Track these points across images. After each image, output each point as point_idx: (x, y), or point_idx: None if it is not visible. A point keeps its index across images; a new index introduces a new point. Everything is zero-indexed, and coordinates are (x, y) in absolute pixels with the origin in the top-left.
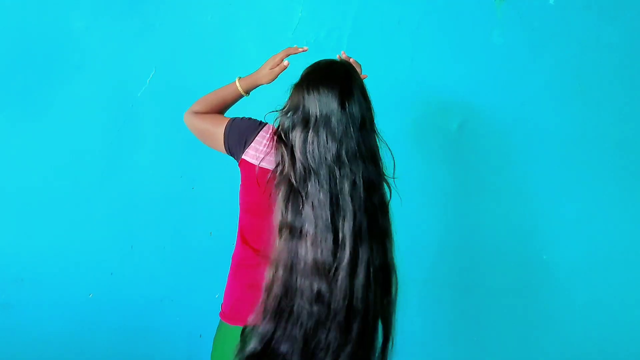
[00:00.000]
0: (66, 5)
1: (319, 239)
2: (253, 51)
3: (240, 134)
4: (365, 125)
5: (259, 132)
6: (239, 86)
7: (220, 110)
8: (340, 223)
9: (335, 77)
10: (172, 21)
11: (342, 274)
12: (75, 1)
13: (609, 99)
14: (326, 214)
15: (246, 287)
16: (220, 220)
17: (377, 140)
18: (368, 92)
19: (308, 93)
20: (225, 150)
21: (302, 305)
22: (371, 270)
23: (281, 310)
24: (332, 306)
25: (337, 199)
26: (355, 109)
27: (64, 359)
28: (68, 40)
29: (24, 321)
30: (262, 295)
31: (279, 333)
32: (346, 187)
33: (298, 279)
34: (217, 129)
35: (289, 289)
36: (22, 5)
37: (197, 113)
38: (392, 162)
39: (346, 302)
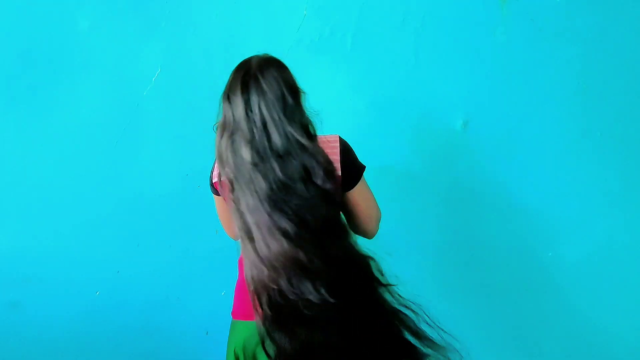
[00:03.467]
0: (72, 5)
1: (267, 240)
2: (258, 50)
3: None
4: (279, 119)
5: None
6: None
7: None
8: (280, 220)
9: (241, 80)
10: (178, 20)
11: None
12: (81, 1)
13: (612, 97)
14: (260, 216)
15: None
16: None
17: (297, 127)
18: (287, 78)
19: (223, 101)
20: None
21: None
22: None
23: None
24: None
25: (268, 197)
26: (262, 107)
27: (70, 357)
28: (74, 39)
29: (31, 320)
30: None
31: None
32: (269, 185)
33: (270, 277)
34: (220, 205)
35: (266, 288)
36: (28, 5)
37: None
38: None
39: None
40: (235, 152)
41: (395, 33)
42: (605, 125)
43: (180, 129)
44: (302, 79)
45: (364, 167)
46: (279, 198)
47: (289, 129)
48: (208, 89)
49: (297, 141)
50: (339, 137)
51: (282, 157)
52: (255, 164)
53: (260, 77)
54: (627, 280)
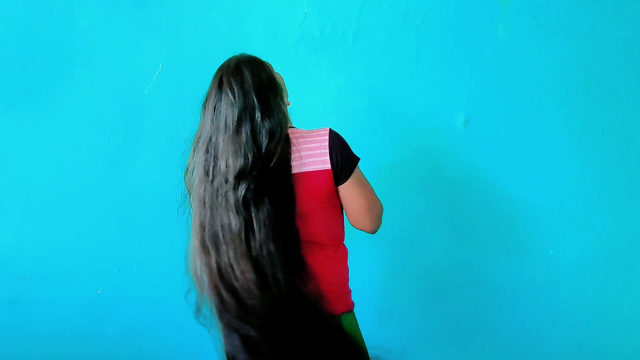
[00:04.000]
0: (73, 3)
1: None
2: (259, 47)
3: None
4: (253, 117)
5: None
6: None
7: None
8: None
9: (214, 90)
10: (179, 18)
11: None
12: None
13: (614, 94)
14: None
15: None
16: None
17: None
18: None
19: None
20: None
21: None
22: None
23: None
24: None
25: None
26: (228, 106)
27: (72, 354)
28: (75, 37)
29: (33, 317)
30: None
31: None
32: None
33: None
34: None
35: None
36: (29, 3)
37: None
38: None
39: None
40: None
41: (396, 30)
42: (606, 122)
43: (181, 127)
44: (303, 76)
45: (358, 159)
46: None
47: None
48: (209, 86)
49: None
50: (330, 130)
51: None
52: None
53: (234, 79)
54: (629, 277)
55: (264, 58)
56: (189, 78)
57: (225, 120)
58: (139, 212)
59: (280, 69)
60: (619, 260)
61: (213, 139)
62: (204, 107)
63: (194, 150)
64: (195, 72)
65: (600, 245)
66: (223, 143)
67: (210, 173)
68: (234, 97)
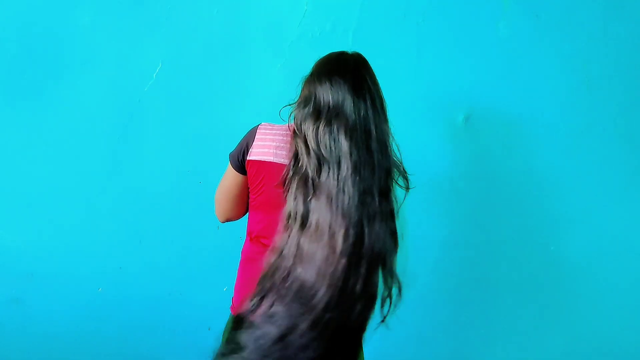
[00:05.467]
0: (73, 1)
1: (325, 230)
2: (259, 45)
3: (239, 147)
4: (378, 114)
5: (255, 133)
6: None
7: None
8: (351, 211)
9: (346, 67)
10: (178, 15)
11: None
12: None
13: (616, 90)
14: (339, 204)
15: (256, 281)
16: None
17: (389, 128)
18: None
19: (320, 84)
20: (242, 171)
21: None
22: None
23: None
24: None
25: (346, 187)
26: (367, 98)
27: (73, 353)
28: (74, 35)
29: (34, 316)
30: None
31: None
32: (354, 176)
33: (298, 268)
34: (233, 182)
35: (288, 276)
36: (28, 1)
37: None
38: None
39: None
40: (332, 136)
41: (397, 27)
42: (608, 119)
43: (181, 125)
44: (303, 75)
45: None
46: (356, 190)
47: (386, 124)
48: (209, 84)
49: (386, 141)
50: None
51: (374, 151)
52: (352, 153)
53: (366, 70)
54: (630, 274)
55: (263, 56)
56: (189, 76)
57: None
58: (139, 210)
59: (280, 67)
60: (620, 257)
61: None
62: (330, 81)
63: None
64: (195, 70)
65: (601, 242)
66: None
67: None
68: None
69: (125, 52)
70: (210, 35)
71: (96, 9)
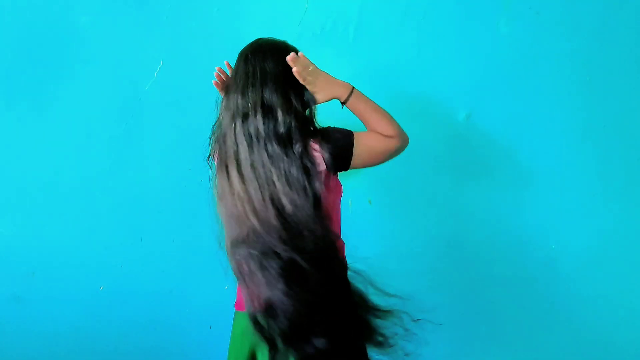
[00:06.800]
0: (72, 1)
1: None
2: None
3: None
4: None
5: None
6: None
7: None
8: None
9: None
10: (179, 14)
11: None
12: None
13: (617, 88)
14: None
15: None
16: None
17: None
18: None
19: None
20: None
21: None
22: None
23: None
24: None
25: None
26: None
27: (74, 351)
28: (75, 34)
29: (35, 314)
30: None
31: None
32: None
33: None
34: None
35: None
36: (28, 1)
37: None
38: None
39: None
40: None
41: (398, 25)
42: (608, 116)
43: (182, 124)
44: None
45: (351, 135)
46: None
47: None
48: (210, 82)
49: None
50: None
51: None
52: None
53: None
54: (631, 272)
55: None
56: (190, 74)
57: None
58: (140, 208)
59: None
60: (621, 255)
61: None
62: None
63: None
64: (196, 69)
65: (602, 240)
66: None
67: None
68: None
69: (126, 51)
70: (210, 34)
71: (96, 9)
